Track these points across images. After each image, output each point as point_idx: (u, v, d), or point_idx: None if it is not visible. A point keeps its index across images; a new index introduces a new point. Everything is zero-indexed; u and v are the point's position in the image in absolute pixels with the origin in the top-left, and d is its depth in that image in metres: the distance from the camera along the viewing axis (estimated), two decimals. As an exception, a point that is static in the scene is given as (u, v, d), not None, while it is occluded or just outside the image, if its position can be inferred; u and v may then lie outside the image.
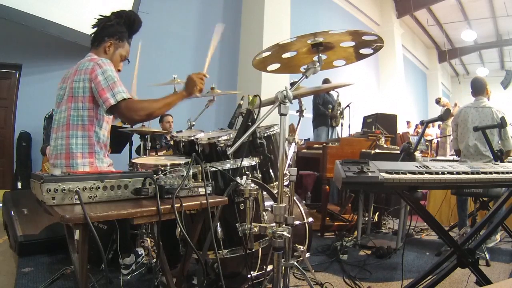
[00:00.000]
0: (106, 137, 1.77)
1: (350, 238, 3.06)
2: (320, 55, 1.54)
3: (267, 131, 1.86)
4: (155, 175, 1.30)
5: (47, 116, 4.36)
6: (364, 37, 1.53)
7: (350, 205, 3.88)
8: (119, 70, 1.88)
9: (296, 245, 1.76)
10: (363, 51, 1.67)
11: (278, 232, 1.37)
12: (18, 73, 4.58)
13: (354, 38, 1.55)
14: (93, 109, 1.67)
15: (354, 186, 2.06)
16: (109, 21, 1.80)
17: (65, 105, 1.69)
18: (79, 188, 1.12)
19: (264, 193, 1.73)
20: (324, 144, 3.49)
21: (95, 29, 1.82)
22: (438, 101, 7.45)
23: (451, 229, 3.30)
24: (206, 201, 1.30)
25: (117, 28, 1.81)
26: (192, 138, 1.81)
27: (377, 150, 3.24)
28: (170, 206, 1.19)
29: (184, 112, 4.20)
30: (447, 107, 7.02)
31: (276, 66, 1.78)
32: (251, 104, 1.58)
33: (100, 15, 1.83)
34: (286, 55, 1.67)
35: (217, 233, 1.63)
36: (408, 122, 10.09)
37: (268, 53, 1.62)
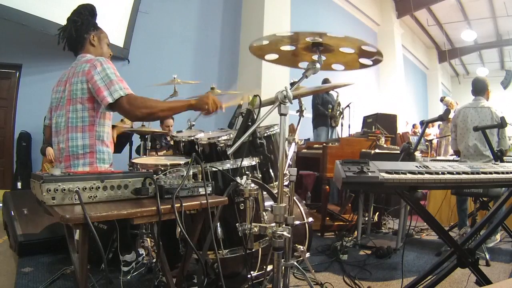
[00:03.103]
0: (109, 133, 1.78)
1: (350, 238, 3.06)
2: (320, 55, 1.54)
3: (267, 131, 1.86)
4: (155, 175, 1.30)
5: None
6: (363, 47, 1.53)
7: (350, 205, 3.87)
8: (110, 55, 1.90)
9: (296, 245, 1.76)
10: (362, 60, 1.67)
11: (278, 232, 1.36)
12: (18, 73, 4.57)
13: (353, 45, 1.54)
14: (93, 109, 1.68)
15: (354, 186, 2.05)
16: (76, 22, 1.80)
17: (64, 109, 1.70)
18: (79, 188, 1.12)
19: (264, 193, 1.73)
20: (324, 144, 3.49)
21: (65, 39, 1.82)
22: (442, 99, 7.41)
23: (451, 229, 3.30)
24: (206, 201, 1.30)
25: (87, 23, 1.82)
26: (192, 138, 1.81)
27: (377, 150, 3.24)
28: (170, 206, 1.19)
29: (184, 112, 4.19)
30: (451, 106, 6.95)
31: (274, 56, 1.76)
32: (251, 104, 1.58)
33: (59, 29, 1.84)
34: (285, 47, 1.66)
35: (217, 233, 1.63)
36: (405, 123, 10.06)
37: (266, 42, 1.61)
